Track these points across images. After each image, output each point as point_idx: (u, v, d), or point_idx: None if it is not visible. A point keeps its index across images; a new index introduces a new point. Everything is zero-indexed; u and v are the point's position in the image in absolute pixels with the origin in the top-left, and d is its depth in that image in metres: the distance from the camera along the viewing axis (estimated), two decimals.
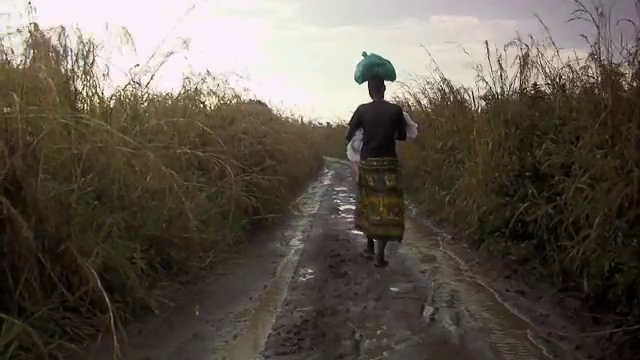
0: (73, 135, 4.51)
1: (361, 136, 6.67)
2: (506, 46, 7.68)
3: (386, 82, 6.95)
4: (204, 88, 8.93)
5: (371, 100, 6.77)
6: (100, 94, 5.79)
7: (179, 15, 6.21)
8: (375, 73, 6.75)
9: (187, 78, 8.28)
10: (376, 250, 6.67)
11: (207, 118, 8.49)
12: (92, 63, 5.54)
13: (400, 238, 6.72)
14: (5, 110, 3.91)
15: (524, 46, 7.41)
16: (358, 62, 6.84)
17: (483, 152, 7.90)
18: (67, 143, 4.49)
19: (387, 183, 6.48)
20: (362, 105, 6.75)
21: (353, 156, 6.83)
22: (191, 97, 8.57)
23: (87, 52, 5.46)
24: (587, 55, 5.85)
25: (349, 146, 6.87)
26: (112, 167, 4.81)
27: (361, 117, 6.66)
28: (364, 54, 6.90)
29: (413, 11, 58.76)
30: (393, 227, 6.51)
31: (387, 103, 7.15)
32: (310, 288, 5.72)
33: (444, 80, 11.61)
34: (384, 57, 6.86)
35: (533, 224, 5.83)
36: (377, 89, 6.74)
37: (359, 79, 6.80)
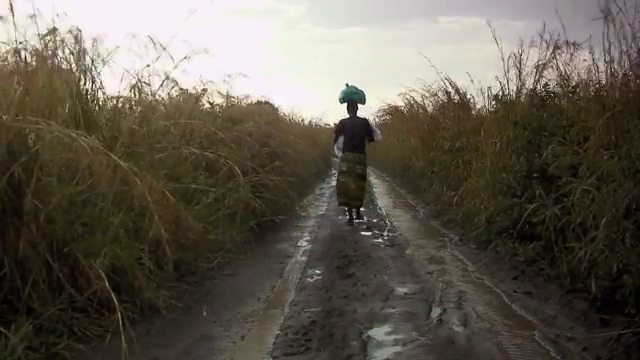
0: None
1: (343, 139, 10.03)
2: (523, 47, 7.69)
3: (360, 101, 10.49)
4: (211, 89, 8.94)
5: (348, 115, 10.26)
6: (108, 96, 5.79)
7: (182, 17, 6.15)
8: (352, 98, 10.28)
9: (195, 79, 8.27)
10: (348, 216, 10.17)
11: (215, 119, 8.50)
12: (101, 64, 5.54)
13: (360, 206, 10.43)
14: (4, 118, 3.90)
15: (541, 46, 7.35)
16: (341, 89, 10.32)
17: (491, 153, 7.88)
18: (67, 152, 4.38)
19: (358, 171, 10.01)
20: (342, 119, 10.37)
21: (338, 152, 10.22)
22: (198, 98, 8.57)
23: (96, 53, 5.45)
24: (594, 56, 5.83)
25: (335, 146, 10.28)
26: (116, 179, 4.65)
27: (343, 127, 10.22)
28: (347, 85, 10.36)
29: (420, 12, 58.80)
30: (358, 200, 10.22)
31: (359, 118, 10.42)
32: (317, 289, 5.73)
33: (450, 82, 11.69)
34: (359, 87, 10.40)
35: (541, 225, 5.80)
36: (352, 109, 10.23)
37: (341, 101, 10.28)
